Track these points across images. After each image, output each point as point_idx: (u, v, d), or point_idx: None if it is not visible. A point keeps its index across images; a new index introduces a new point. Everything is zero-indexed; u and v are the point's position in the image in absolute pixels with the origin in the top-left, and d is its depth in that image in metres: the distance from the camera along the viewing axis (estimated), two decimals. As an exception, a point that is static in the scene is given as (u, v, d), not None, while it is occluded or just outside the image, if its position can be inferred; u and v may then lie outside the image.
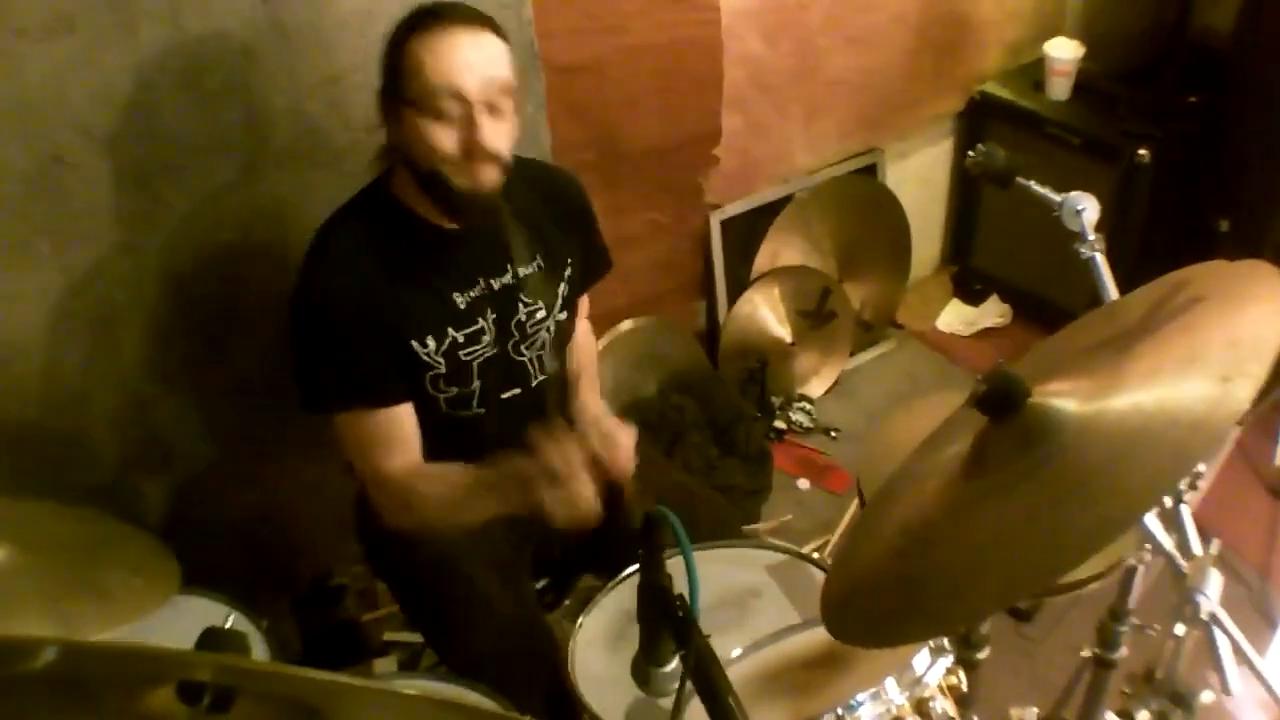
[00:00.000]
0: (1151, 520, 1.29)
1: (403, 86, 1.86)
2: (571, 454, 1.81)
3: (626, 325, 3.28)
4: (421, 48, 1.84)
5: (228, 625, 1.08)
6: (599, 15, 2.77)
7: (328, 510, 2.41)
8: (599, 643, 1.87)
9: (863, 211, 3.63)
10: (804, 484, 3.36)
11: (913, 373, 3.73)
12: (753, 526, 3.15)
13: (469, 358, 2.04)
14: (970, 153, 1.93)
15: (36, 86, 2.09)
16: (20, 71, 2.06)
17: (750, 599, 1.91)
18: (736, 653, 1.66)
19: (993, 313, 3.84)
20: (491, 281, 2.04)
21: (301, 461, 2.62)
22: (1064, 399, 1.24)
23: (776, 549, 2.04)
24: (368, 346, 1.95)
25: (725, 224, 3.38)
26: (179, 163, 2.32)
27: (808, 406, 3.57)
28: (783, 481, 3.35)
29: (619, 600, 1.96)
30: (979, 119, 3.63)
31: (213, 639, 1.06)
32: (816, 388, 3.65)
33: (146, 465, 2.55)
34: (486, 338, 2.05)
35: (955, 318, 3.87)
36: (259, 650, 1.97)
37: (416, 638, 2.71)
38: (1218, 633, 1.41)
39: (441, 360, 2.00)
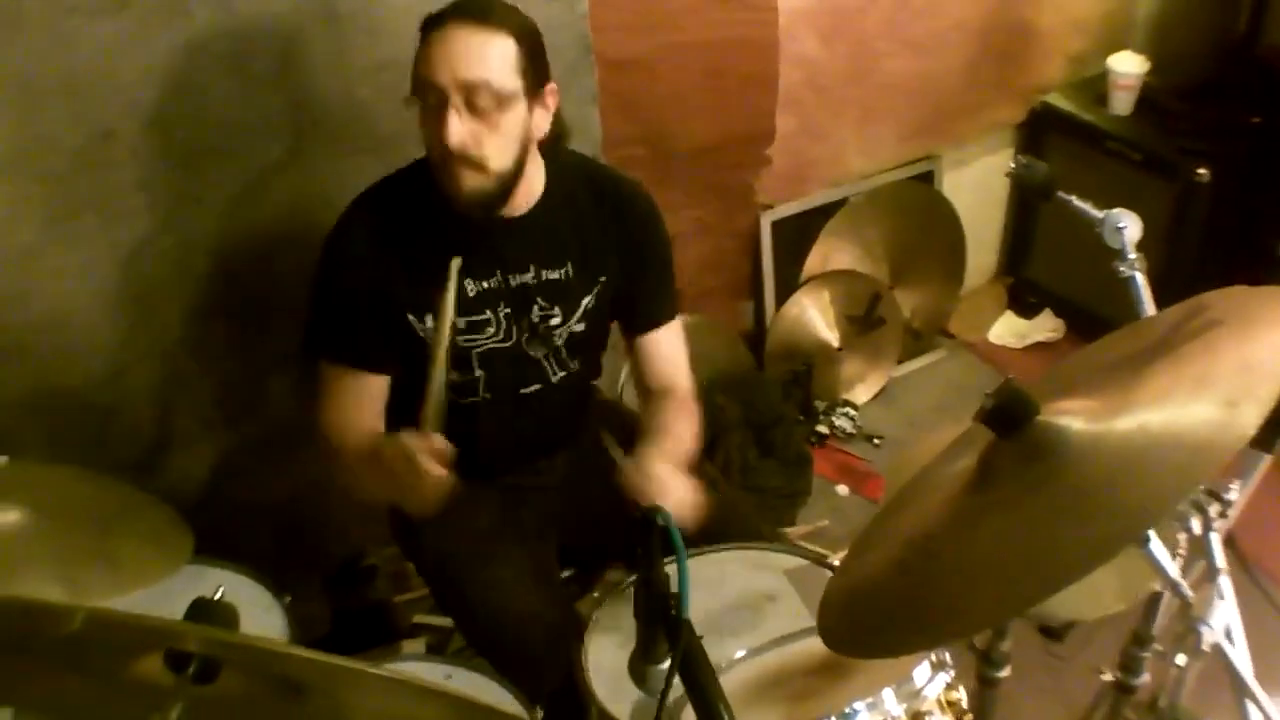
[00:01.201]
0: (1157, 546, 1.26)
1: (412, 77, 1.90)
2: (410, 453, 1.79)
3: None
4: (425, 41, 1.87)
5: (218, 597, 1.09)
6: (652, 11, 2.77)
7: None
8: (614, 637, 1.87)
9: (917, 218, 3.60)
10: (843, 490, 3.33)
11: (961, 384, 3.69)
12: (786, 530, 3.14)
13: (468, 345, 2.05)
14: (1011, 164, 1.90)
15: (87, 63, 2.12)
16: (72, 48, 2.10)
17: (765, 602, 1.90)
18: (740, 654, 1.65)
19: (1045, 327, 3.79)
20: (509, 277, 2.05)
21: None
22: (1072, 417, 1.22)
23: (796, 553, 2.03)
24: (363, 309, 2.01)
25: (776, 225, 3.36)
26: (226, 143, 2.35)
27: (851, 412, 3.54)
28: (822, 487, 3.33)
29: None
30: (1040, 130, 3.58)
31: (201, 610, 1.07)
32: (862, 394, 3.62)
33: (184, 439, 2.59)
34: (492, 329, 2.06)
35: (1007, 330, 3.82)
36: (278, 625, 2.00)
37: (447, 621, 2.72)
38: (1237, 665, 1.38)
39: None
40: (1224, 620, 1.34)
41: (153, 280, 2.39)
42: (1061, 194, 1.85)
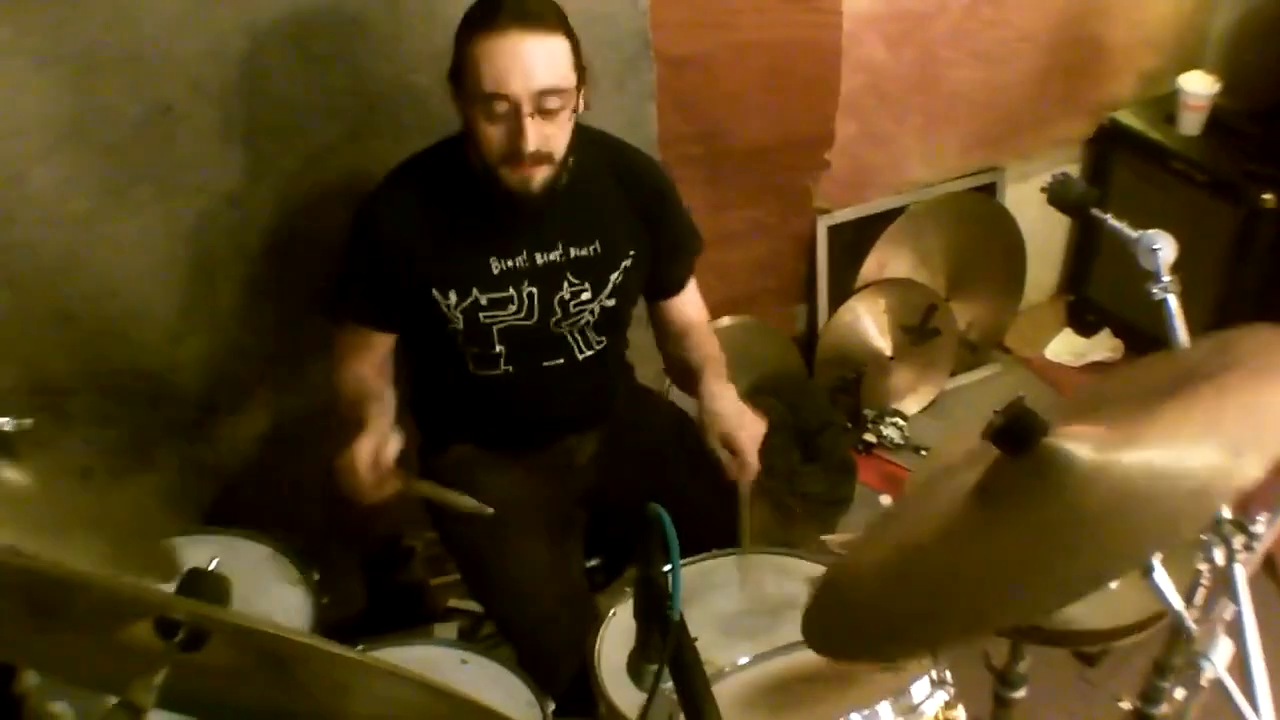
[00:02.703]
0: (1161, 576, 1.24)
1: (462, 79, 1.94)
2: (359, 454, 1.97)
3: (724, 322, 3.27)
4: (477, 48, 1.90)
5: (212, 568, 1.12)
6: (714, 9, 2.76)
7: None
8: (629, 633, 1.88)
9: (977, 230, 3.56)
10: (886, 500, 3.31)
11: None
12: (825, 537, 3.12)
13: (489, 321, 2.09)
14: (1049, 179, 1.88)
15: (150, 38, 2.17)
16: (135, 22, 2.14)
17: (785, 609, 1.91)
18: (744, 660, 1.65)
19: (1104, 346, 3.73)
20: (536, 255, 2.08)
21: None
22: (1081, 443, 1.21)
23: (821, 562, 2.03)
24: (387, 279, 2.09)
25: (833, 229, 3.34)
26: (285, 122, 2.39)
27: (900, 422, 3.51)
28: (865, 495, 3.30)
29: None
30: (1106, 147, 3.52)
31: (194, 580, 1.10)
32: (912, 405, 3.59)
33: (234, 410, 2.64)
34: (513, 307, 2.10)
35: (1065, 348, 3.76)
36: (301, 601, 2.03)
37: (479, 607, 2.74)
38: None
39: (460, 316, 2.07)
40: (1227, 655, 1.32)
41: (208, 253, 2.44)
42: (1096, 212, 1.82)
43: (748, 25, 2.83)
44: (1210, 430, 1.12)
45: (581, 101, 2.01)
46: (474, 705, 1.09)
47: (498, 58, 1.88)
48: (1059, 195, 1.88)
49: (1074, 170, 3.63)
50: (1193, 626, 1.29)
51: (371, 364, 2.18)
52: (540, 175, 1.96)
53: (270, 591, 2.04)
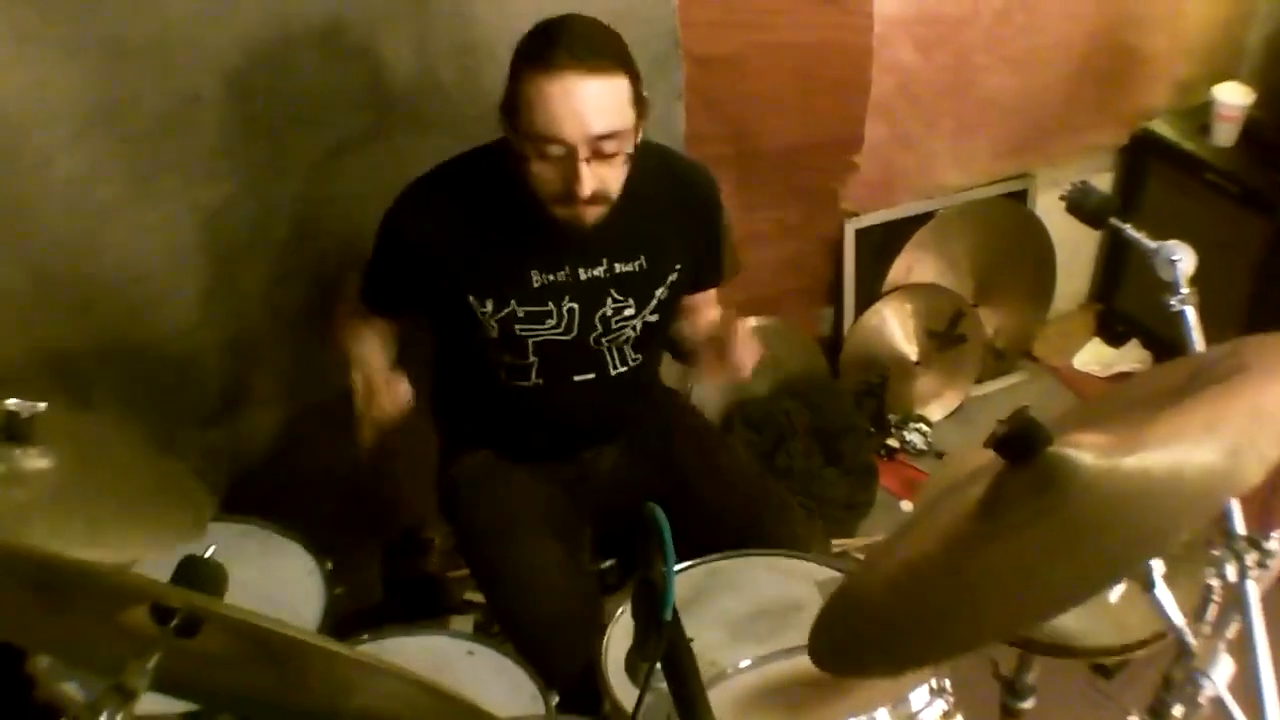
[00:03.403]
0: (1162, 590, 1.22)
1: (515, 113, 1.88)
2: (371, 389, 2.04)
3: (750, 323, 3.24)
4: (532, 86, 1.83)
5: (207, 555, 1.12)
6: (743, 9, 2.76)
7: (427, 467, 2.46)
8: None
9: (1007, 237, 3.53)
10: (907, 506, 3.29)
11: (1040, 408, 3.49)
12: (841, 541, 3.11)
13: (524, 333, 2.07)
14: (1068, 187, 1.86)
15: (177, 27, 2.18)
16: (162, 11, 2.16)
17: (792, 611, 1.90)
18: (745, 663, 1.65)
19: (1132, 357, 3.69)
20: (579, 270, 2.05)
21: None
22: (1084, 451, 1.20)
23: (833, 566, 2.02)
24: (408, 277, 2.09)
25: (860, 232, 3.32)
26: (309, 115, 2.40)
27: (924, 428, 3.49)
28: (886, 500, 3.29)
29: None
30: (1139, 155, 3.49)
31: (189, 568, 1.11)
32: (936, 411, 3.56)
33: (255, 399, 2.65)
34: (552, 321, 2.07)
35: (1093, 358, 3.73)
36: (314, 590, 2.04)
37: (491, 601, 2.75)
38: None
39: (495, 325, 2.05)
40: (1228, 673, 1.30)
41: (231, 243, 2.45)
42: (1115, 221, 1.80)
43: (778, 25, 2.82)
44: (1209, 434, 1.11)
45: (640, 135, 1.96)
46: (461, 701, 1.09)
47: (552, 101, 1.81)
48: (1078, 204, 1.87)
49: (1106, 179, 3.60)
50: (1192, 642, 1.27)
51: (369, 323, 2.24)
52: (594, 213, 1.92)
53: (283, 580, 2.05)
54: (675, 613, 1.24)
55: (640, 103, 1.92)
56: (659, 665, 1.37)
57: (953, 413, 3.59)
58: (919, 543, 1.31)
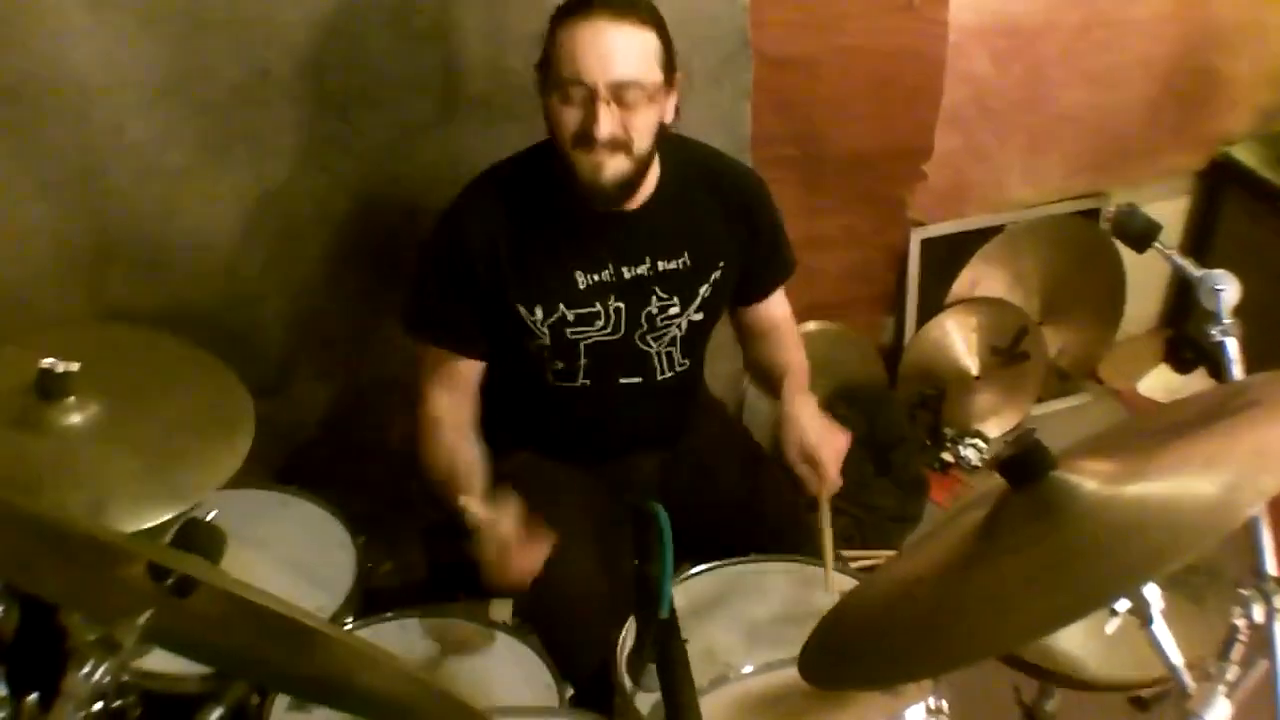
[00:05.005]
0: (1160, 627, 1.20)
1: (546, 66, 1.93)
2: (503, 539, 1.90)
3: (810, 327, 3.25)
4: (564, 32, 1.89)
5: (209, 519, 1.15)
6: (816, 11, 2.75)
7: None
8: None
9: (1077, 256, 3.48)
10: (956, 521, 3.25)
11: None
12: (888, 553, 3.08)
13: (576, 337, 2.07)
14: (1112, 209, 1.83)
15: (249, 2, 2.23)
16: (235, -16, 2.21)
17: (812, 621, 1.88)
18: (748, 669, 1.65)
19: (1198, 386, 3.61)
20: (623, 269, 2.06)
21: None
22: (1088, 477, 1.18)
23: (858, 577, 2.01)
24: (459, 296, 2.06)
25: (926, 243, 3.30)
26: (378, 95, 2.43)
27: (980, 444, 3.44)
28: (936, 515, 3.26)
29: (693, 590, 1.97)
30: (1218, 182, 3.42)
31: (189, 530, 1.14)
32: (994, 427, 3.52)
33: (310, 373, 2.69)
34: (601, 322, 2.07)
35: (1159, 384, 3.66)
36: (346, 563, 2.07)
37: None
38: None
39: (547, 332, 2.05)
40: (1224, 717, 1.27)
41: (296, 217, 2.50)
42: (1159, 246, 1.77)
43: (851, 30, 2.81)
44: (1210, 468, 1.10)
45: (670, 108, 1.98)
46: (443, 691, 1.11)
47: (580, 43, 1.86)
48: (1122, 226, 1.84)
49: (1182, 203, 3.53)
50: (1189, 683, 1.25)
51: (466, 394, 2.15)
52: (613, 165, 1.92)
53: (316, 550, 2.09)
54: (673, 612, 1.25)
55: (670, 68, 1.94)
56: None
57: (1011, 431, 3.54)
58: (921, 560, 1.31)
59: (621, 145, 1.91)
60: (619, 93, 1.87)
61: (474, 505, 1.94)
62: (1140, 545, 1.05)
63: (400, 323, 2.16)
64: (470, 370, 2.13)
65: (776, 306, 2.34)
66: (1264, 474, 1.02)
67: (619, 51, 1.87)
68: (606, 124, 1.87)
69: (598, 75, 1.86)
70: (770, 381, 2.25)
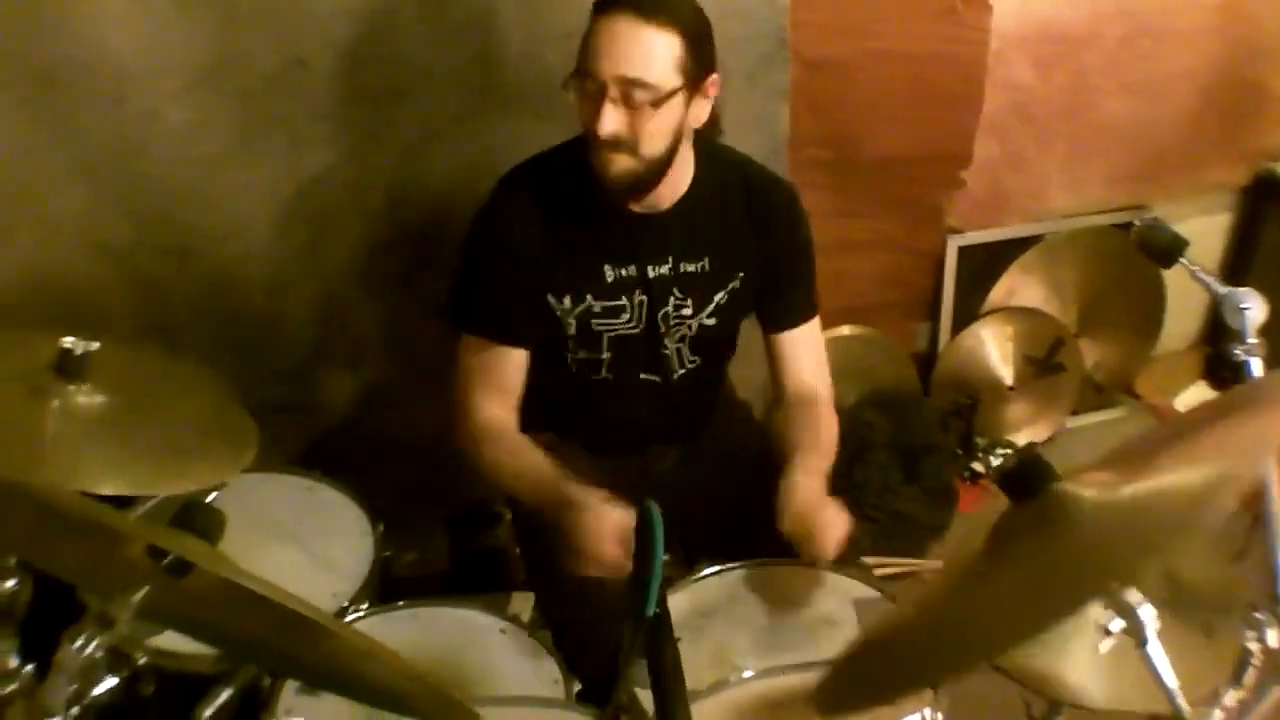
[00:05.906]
0: (1155, 649, 1.18)
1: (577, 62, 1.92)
2: (604, 531, 1.80)
3: (843, 331, 3.24)
4: (592, 25, 1.89)
5: (210, 500, 1.17)
6: (856, 14, 2.74)
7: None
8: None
9: (1116, 268, 3.44)
10: (985, 532, 3.22)
11: None
12: (914, 561, 3.06)
13: (601, 328, 2.07)
14: (1135, 222, 1.80)
15: (287, -10, 2.25)
16: (272, -26, 2.23)
17: (823, 626, 1.88)
18: (748, 674, 1.64)
19: (1237, 404, 3.57)
20: (648, 267, 2.06)
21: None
22: (1087, 487, 1.17)
23: (872, 585, 1.99)
24: (507, 285, 2.04)
25: (963, 250, 3.28)
26: (412, 88, 2.45)
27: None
28: (965, 525, 3.22)
29: (699, 592, 1.97)
30: (1262, 198, 3.38)
31: (188, 511, 1.15)
32: (1027, 438, 3.48)
33: (338, 362, 2.72)
34: (626, 316, 2.07)
35: (1196, 400, 3.61)
36: (363, 548, 2.07)
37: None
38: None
39: (573, 322, 2.05)
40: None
41: (328, 207, 2.52)
42: (1185, 261, 1.74)
43: (891, 34, 2.79)
44: (1200, 460, 1.08)
45: (698, 113, 1.96)
46: (435, 685, 1.11)
47: (599, 38, 1.87)
48: (1146, 240, 1.81)
49: (1225, 219, 3.49)
50: (1185, 709, 1.23)
51: (510, 388, 2.09)
52: (616, 164, 1.91)
53: (334, 537, 2.09)
54: (666, 611, 1.24)
55: (695, 75, 1.90)
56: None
57: (1044, 443, 3.50)
58: (930, 585, 1.30)
59: (625, 145, 1.89)
60: (625, 91, 1.86)
61: (579, 491, 1.87)
62: (1127, 539, 1.04)
63: (447, 318, 2.11)
64: (517, 365, 2.10)
65: (809, 372, 2.22)
66: (1247, 460, 1.00)
67: (630, 50, 1.85)
68: (608, 122, 1.86)
69: (605, 70, 1.85)
70: (782, 450, 2.10)
